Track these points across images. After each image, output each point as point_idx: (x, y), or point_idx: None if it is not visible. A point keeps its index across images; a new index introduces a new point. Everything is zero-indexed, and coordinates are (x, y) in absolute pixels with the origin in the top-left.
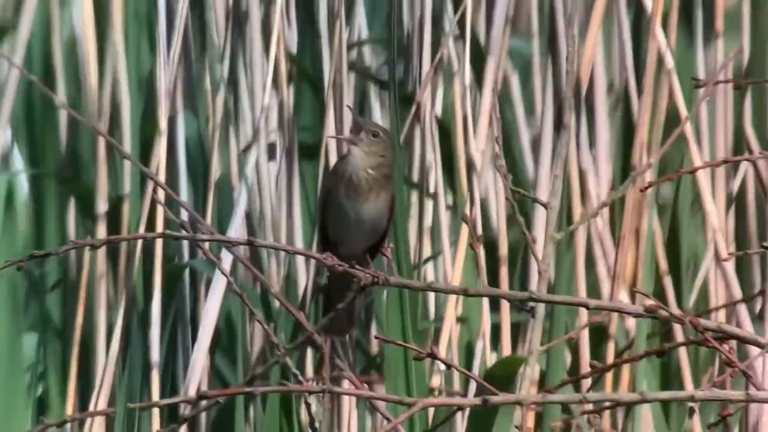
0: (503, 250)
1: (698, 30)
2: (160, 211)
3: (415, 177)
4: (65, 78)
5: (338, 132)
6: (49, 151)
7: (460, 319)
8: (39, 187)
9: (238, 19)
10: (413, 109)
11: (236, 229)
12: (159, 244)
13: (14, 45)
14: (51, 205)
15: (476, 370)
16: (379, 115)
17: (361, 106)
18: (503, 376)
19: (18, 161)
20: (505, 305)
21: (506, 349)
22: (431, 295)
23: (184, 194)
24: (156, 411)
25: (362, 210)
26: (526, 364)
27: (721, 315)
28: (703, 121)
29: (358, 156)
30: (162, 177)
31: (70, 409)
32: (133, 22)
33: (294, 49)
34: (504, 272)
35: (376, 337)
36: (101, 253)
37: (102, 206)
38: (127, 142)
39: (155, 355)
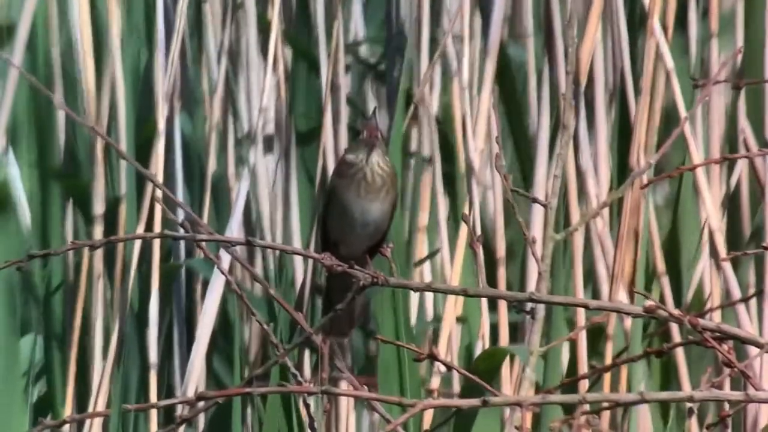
0: (501, 250)
1: (693, 30)
2: (157, 211)
3: (414, 176)
4: (63, 79)
5: (336, 131)
6: (47, 151)
7: (461, 320)
8: (37, 188)
9: (234, 19)
10: (411, 108)
11: (234, 229)
12: (156, 244)
13: (13, 46)
14: (49, 205)
15: None
16: (377, 114)
17: (360, 105)
18: (487, 369)
19: (14, 162)
20: (503, 305)
21: None
22: (430, 296)
23: (181, 195)
24: (153, 412)
25: (370, 209)
26: (525, 364)
27: (718, 314)
28: (699, 121)
29: (375, 156)
30: (159, 177)
31: (68, 410)
32: (130, 23)
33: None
34: (502, 272)
35: (375, 338)
36: (99, 253)
37: (99, 207)
38: (124, 144)
39: (153, 356)
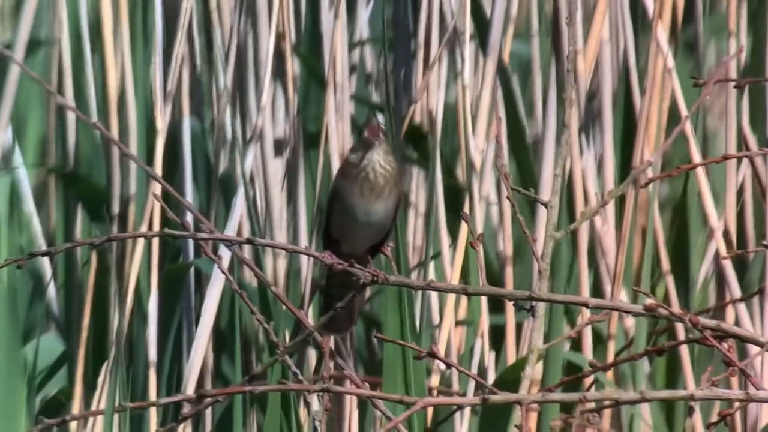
0: (508, 249)
1: (700, 29)
2: (157, 209)
3: (416, 177)
4: (73, 77)
5: (339, 131)
6: (56, 151)
7: (461, 323)
8: (47, 188)
9: (244, 17)
10: (412, 108)
11: (235, 227)
12: (156, 243)
13: (15, 42)
14: (59, 206)
15: (475, 369)
16: (380, 114)
17: (364, 105)
18: (513, 380)
19: (21, 159)
20: (509, 306)
21: (510, 350)
22: (434, 297)
23: (190, 195)
24: (153, 410)
25: (373, 210)
26: (527, 364)
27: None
28: (706, 119)
29: (377, 156)
30: (159, 173)
31: (76, 409)
32: (140, 22)
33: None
34: (509, 272)
35: (376, 337)
36: (112, 253)
37: (116, 207)
38: (134, 143)
39: (152, 354)
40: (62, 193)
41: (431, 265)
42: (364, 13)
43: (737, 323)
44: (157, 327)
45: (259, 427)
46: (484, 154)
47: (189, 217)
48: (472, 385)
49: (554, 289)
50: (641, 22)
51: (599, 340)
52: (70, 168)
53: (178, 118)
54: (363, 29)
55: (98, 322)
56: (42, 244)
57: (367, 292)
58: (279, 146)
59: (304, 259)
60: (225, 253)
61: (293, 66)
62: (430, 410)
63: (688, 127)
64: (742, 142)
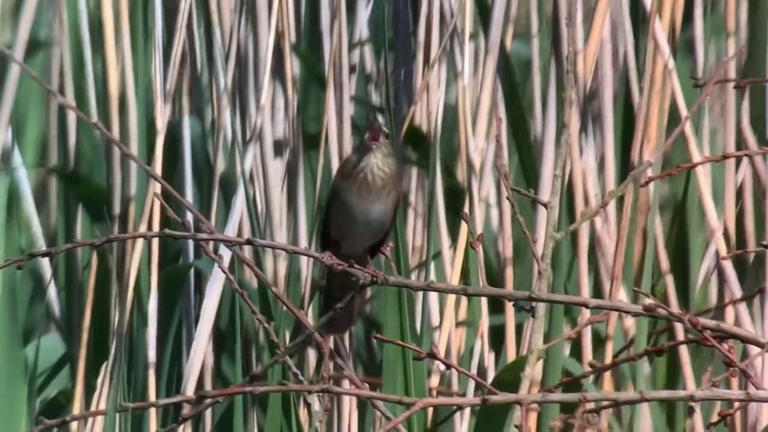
0: (508, 250)
1: (699, 29)
2: (157, 209)
3: (416, 178)
4: (73, 77)
5: (339, 131)
6: (56, 151)
7: (461, 324)
8: (47, 188)
9: (244, 17)
10: (412, 108)
11: (235, 227)
12: (156, 243)
13: (15, 42)
14: (60, 206)
15: (474, 369)
16: (380, 115)
17: (364, 106)
18: (512, 380)
19: (20, 159)
20: (509, 307)
21: (510, 351)
22: (433, 298)
23: (190, 195)
24: (153, 411)
25: (372, 210)
26: (527, 364)
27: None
28: (705, 120)
29: (376, 158)
30: (159, 173)
31: (77, 409)
32: (141, 22)
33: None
34: (509, 272)
35: (375, 337)
36: (113, 254)
37: (116, 207)
38: (134, 144)
39: (152, 354)
40: (62, 193)
41: (431, 266)
42: (364, 13)
43: (737, 323)
44: (157, 327)
45: (260, 428)
46: (484, 155)
47: (189, 217)
48: (471, 385)
49: (554, 289)
50: (641, 23)
51: (599, 341)
52: (70, 168)
53: (178, 118)
54: (363, 29)
55: (99, 322)
56: (42, 245)
57: (367, 293)
58: (279, 146)
59: (304, 259)
60: (225, 254)
61: (293, 66)
62: (429, 411)
63: (688, 127)
64: (741, 142)
